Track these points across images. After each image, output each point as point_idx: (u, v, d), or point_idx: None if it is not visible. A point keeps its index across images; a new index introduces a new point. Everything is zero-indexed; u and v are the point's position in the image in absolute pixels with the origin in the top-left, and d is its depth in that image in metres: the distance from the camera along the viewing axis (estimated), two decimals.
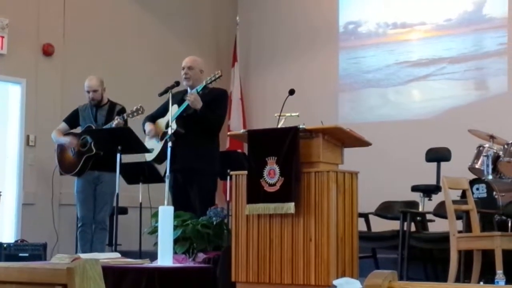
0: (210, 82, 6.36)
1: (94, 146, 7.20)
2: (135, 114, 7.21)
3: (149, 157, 6.73)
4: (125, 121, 7.21)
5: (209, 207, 5.89)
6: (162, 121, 6.64)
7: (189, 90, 6.54)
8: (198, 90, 6.38)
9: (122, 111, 7.33)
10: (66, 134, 7.51)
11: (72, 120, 7.59)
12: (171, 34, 10.06)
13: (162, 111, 6.58)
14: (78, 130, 7.54)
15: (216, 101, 6.46)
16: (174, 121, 6.18)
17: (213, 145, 6.54)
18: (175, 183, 6.43)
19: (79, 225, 7.43)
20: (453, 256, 5.58)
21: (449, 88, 9.11)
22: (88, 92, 7.43)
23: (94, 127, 7.32)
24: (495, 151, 6.90)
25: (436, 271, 6.73)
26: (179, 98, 6.39)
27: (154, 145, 6.57)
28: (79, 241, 7.44)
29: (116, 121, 7.14)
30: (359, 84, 9.78)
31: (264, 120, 8.46)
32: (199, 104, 6.27)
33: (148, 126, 6.67)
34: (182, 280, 5.10)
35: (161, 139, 6.48)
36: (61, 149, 7.49)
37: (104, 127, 7.23)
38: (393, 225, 6.95)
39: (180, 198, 6.37)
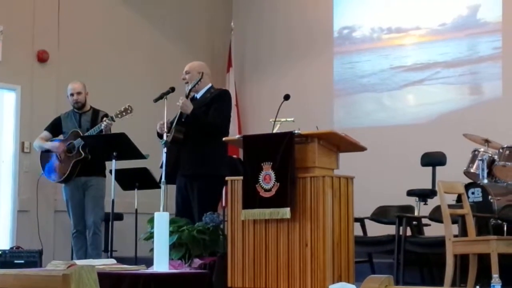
0: (194, 86, 6.33)
1: (88, 152, 7.17)
2: (123, 114, 7.17)
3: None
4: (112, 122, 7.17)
5: (207, 212, 5.88)
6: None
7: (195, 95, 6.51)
8: (186, 94, 6.36)
9: (106, 116, 7.28)
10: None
11: (55, 128, 7.55)
12: (166, 40, 10.06)
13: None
14: (61, 137, 7.51)
15: (214, 102, 6.37)
16: (174, 128, 6.15)
17: (216, 149, 6.28)
18: (179, 189, 6.40)
19: (73, 231, 7.42)
20: (449, 260, 5.58)
21: (444, 93, 9.11)
22: (72, 94, 7.42)
23: (79, 132, 7.29)
24: (490, 155, 6.91)
25: (432, 275, 6.73)
26: None
27: None
28: (74, 248, 7.43)
29: (105, 123, 7.10)
30: (354, 89, 9.78)
31: (259, 125, 8.47)
32: (188, 109, 6.22)
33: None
34: (178, 286, 5.10)
35: None
36: (45, 157, 7.48)
37: (93, 129, 7.19)
38: (389, 229, 6.96)
39: (182, 204, 6.34)
